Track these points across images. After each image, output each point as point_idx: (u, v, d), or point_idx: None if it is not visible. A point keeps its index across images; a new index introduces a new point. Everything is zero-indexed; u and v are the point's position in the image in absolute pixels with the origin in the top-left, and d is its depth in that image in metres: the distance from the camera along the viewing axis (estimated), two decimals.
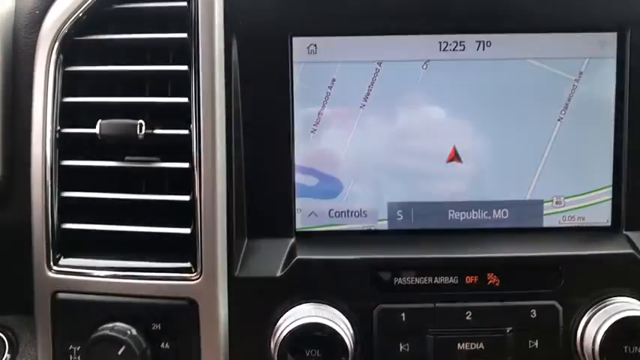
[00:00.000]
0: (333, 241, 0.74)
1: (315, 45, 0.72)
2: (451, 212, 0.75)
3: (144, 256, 0.72)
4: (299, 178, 0.74)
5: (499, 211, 0.75)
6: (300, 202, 0.74)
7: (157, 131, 0.71)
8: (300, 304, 0.70)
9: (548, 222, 0.75)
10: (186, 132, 0.70)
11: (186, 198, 0.70)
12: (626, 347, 0.68)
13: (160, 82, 0.73)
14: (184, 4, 0.70)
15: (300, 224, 0.74)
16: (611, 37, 0.73)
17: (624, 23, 0.72)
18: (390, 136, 0.74)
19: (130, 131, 0.69)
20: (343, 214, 0.75)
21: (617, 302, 0.70)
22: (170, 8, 0.71)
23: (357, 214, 0.75)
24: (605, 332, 0.68)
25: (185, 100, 0.70)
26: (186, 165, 0.70)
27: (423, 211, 0.75)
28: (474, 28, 0.72)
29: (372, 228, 0.75)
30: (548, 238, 0.74)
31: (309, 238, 0.74)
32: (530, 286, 0.71)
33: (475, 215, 0.75)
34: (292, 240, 0.73)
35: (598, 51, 0.73)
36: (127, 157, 0.73)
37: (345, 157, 0.74)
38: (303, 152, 0.74)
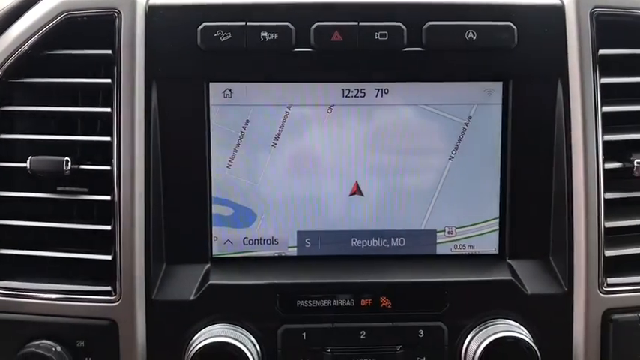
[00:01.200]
0: (245, 266, 0.81)
1: (230, 90, 0.80)
2: (354, 240, 0.83)
3: (71, 280, 0.78)
4: (215, 208, 0.81)
5: (396, 239, 0.83)
6: (216, 231, 0.82)
7: (83, 166, 0.78)
8: (212, 324, 0.77)
9: (441, 250, 0.84)
10: (108, 168, 0.77)
11: (108, 227, 0.77)
12: None
13: (90, 120, 0.81)
14: (109, 52, 0.78)
15: (216, 251, 0.82)
16: (497, 86, 0.81)
17: (507, 74, 0.80)
18: (299, 171, 0.81)
19: (57, 167, 0.76)
20: (256, 241, 0.83)
21: (497, 323, 0.79)
22: (96, 55, 0.78)
23: (269, 241, 0.83)
24: (483, 349, 0.76)
25: (108, 138, 0.77)
26: (108, 197, 0.77)
27: (328, 239, 0.83)
28: (374, 77, 0.80)
29: (283, 254, 0.83)
30: (440, 265, 0.82)
31: (224, 263, 0.81)
32: (418, 308, 0.79)
33: (375, 243, 0.83)
34: (207, 265, 0.80)
35: (485, 98, 0.81)
36: (58, 188, 0.80)
37: (258, 190, 0.81)
38: (219, 185, 0.81)
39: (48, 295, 0.77)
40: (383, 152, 0.81)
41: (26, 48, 0.78)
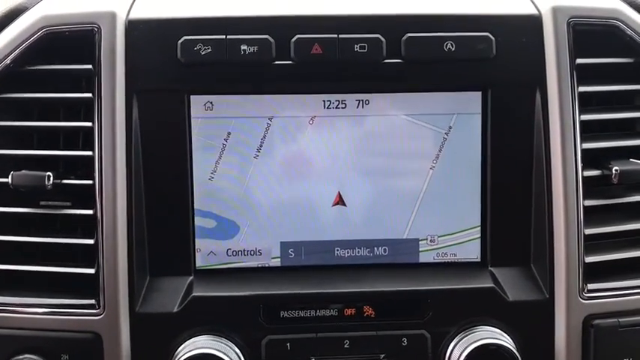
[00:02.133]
0: (229, 278, 0.81)
1: (212, 102, 0.80)
2: (337, 250, 0.84)
3: (55, 294, 0.78)
4: (198, 221, 0.82)
5: (379, 248, 0.84)
6: (199, 243, 0.82)
7: (65, 181, 0.78)
8: (197, 336, 0.77)
9: (423, 258, 0.84)
10: (90, 182, 0.77)
11: (91, 241, 0.77)
12: None
13: (72, 134, 0.81)
14: (89, 66, 0.78)
15: (199, 263, 0.82)
16: (476, 96, 0.82)
17: (486, 84, 0.81)
18: (282, 182, 0.82)
19: (39, 181, 0.76)
20: (240, 253, 0.83)
21: (480, 331, 0.79)
22: (77, 70, 0.79)
23: (252, 252, 0.83)
24: (466, 357, 0.77)
25: (89, 153, 0.77)
26: (90, 211, 0.77)
27: (312, 249, 0.83)
28: (354, 88, 0.81)
29: (266, 265, 0.83)
30: (422, 273, 0.83)
31: (208, 275, 0.81)
32: (401, 316, 0.80)
33: (358, 252, 0.84)
34: (191, 278, 0.81)
35: (465, 108, 0.82)
36: (41, 202, 0.80)
37: (241, 201, 0.82)
38: (201, 198, 0.81)
39: (31, 310, 0.77)
40: (365, 163, 0.82)
41: (8, 62, 0.78)
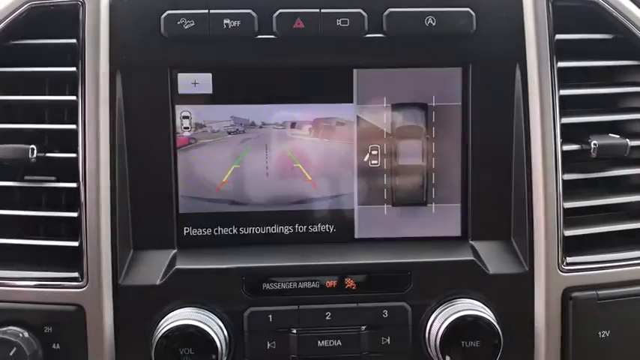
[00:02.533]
0: (212, 251, 0.82)
1: (196, 79, 0.80)
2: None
3: (40, 267, 0.79)
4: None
5: None
6: (182, 217, 0.82)
7: (49, 154, 0.79)
8: (180, 308, 0.78)
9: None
10: (74, 155, 0.78)
11: (74, 214, 0.78)
12: (463, 342, 0.78)
13: (58, 109, 0.82)
14: (73, 41, 0.79)
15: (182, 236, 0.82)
16: (457, 71, 0.83)
17: (467, 59, 0.82)
18: (261, 155, 0.82)
19: (22, 154, 0.77)
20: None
21: (460, 303, 0.80)
22: (61, 44, 0.79)
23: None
24: (445, 328, 0.78)
25: (73, 126, 0.78)
26: (74, 185, 0.78)
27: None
28: (336, 63, 0.81)
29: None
30: (403, 246, 0.84)
31: (191, 248, 0.82)
32: (382, 289, 0.81)
33: None
34: (174, 251, 0.81)
35: (445, 83, 0.82)
36: (26, 177, 0.81)
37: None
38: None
39: (16, 282, 0.78)
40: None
41: None
